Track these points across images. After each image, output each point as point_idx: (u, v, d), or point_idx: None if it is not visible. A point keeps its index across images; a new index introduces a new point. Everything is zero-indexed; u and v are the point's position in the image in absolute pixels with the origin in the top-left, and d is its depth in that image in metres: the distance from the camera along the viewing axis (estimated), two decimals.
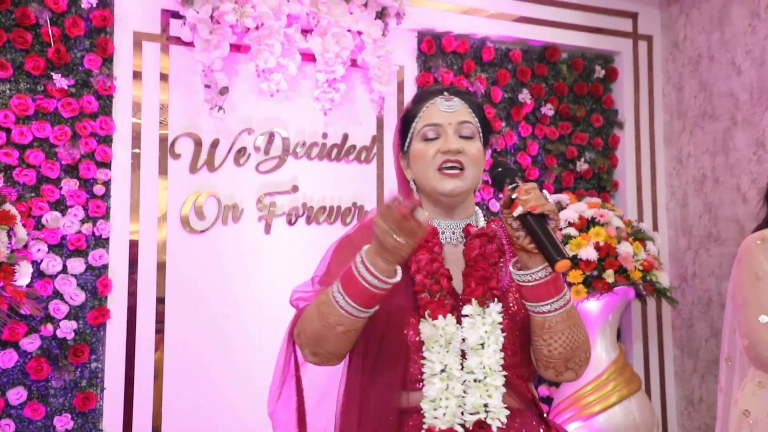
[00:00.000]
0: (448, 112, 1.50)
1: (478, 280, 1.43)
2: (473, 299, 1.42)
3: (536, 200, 1.32)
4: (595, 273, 3.23)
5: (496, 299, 1.43)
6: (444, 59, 3.55)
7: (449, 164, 1.46)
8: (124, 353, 2.88)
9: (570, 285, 3.22)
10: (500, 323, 1.42)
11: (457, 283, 1.46)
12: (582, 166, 3.81)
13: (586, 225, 3.35)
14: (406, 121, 1.54)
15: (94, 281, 2.84)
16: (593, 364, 3.36)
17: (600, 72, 3.89)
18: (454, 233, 1.52)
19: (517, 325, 1.44)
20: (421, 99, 1.54)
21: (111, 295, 2.88)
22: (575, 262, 3.24)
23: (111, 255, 2.89)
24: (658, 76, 4.01)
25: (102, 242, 2.87)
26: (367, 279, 1.28)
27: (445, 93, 1.52)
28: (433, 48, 3.51)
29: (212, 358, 3.04)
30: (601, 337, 3.40)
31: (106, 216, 2.88)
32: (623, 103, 3.93)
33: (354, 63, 3.26)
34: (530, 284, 1.37)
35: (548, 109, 3.74)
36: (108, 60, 2.92)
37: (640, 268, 3.31)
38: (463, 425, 1.37)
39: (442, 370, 1.38)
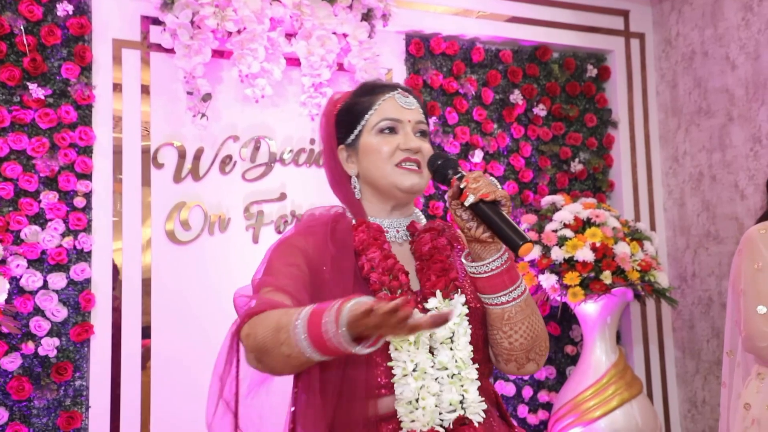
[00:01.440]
0: (407, 109, 1.45)
1: (439, 272, 1.37)
2: (437, 291, 1.35)
3: (486, 187, 1.27)
4: (592, 274, 3.16)
5: (459, 290, 1.37)
6: (433, 61, 3.48)
7: (409, 162, 1.41)
8: (109, 370, 2.80)
9: (567, 287, 3.15)
10: (466, 315, 1.36)
11: (412, 282, 1.39)
12: (576, 166, 3.74)
13: (581, 226, 3.28)
14: (354, 113, 1.45)
15: (77, 296, 2.76)
16: (593, 367, 3.30)
17: (592, 71, 3.83)
18: (398, 231, 1.46)
19: (478, 319, 1.38)
20: (372, 92, 1.47)
21: (94, 311, 2.79)
22: (572, 264, 3.17)
23: (94, 269, 2.81)
24: (652, 73, 3.95)
25: (84, 256, 2.79)
26: (335, 342, 1.10)
27: (400, 89, 1.47)
28: (422, 50, 3.44)
29: (201, 372, 2.93)
30: (601, 340, 3.32)
31: (87, 229, 2.80)
32: (617, 102, 3.86)
33: (341, 66, 3.19)
34: (486, 275, 1.32)
35: (541, 110, 3.68)
36: (86, 69, 2.84)
37: (638, 268, 3.24)
38: (441, 425, 1.30)
39: (414, 369, 1.30)
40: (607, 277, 3.17)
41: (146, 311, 2.89)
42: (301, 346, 1.13)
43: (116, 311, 2.83)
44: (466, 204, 1.28)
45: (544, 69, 3.73)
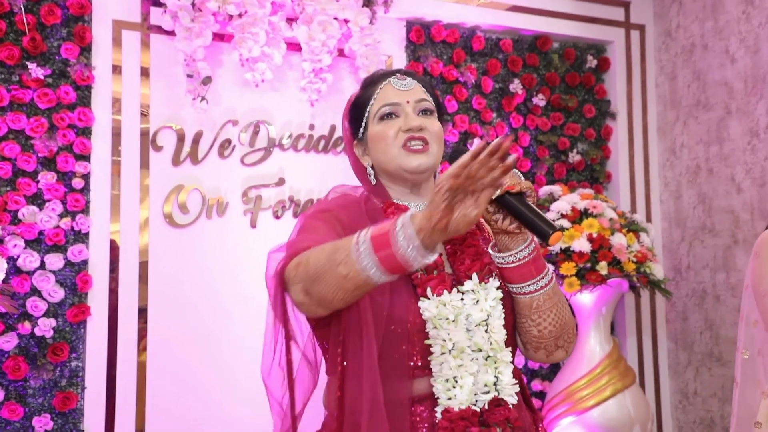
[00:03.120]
0: (404, 91, 1.46)
1: (473, 256, 1.39)
2: (473, 274, 1.37)
3: (511, 179, 1.28)
4: (589, 265, 3.17)
5: (494, 274, 1.38)
6: (433, 49, 3.48)
7: (413, 142, 1.41)
8: (105, 351, 2.80)
9: (563, 277, 3.16)
10: (501, 299, 1.37)
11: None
12: (574, 157, 3.75)
13: (578, 216, 3.29)
14: (359, 106, 1.49)
15: (74, 278, 2.75)
16: (587, 357, 3.31)
17: (592, 62, 3.82)
18: None
19: (507, 306, 1.40)
20: (372, 82, 1.50)
21: (91, 292, 2.79)
22: (568, 254, 3.18)
23: (91, 250, 2.80)
24: (651, 65, 3.95)
25: (81, 237, 2.79)
26: (409, 252, 1.12)
27: (398, 74, 1.49)
28: (422, 37, 3.44)
29: (197, 355, 2.96)
30: (595, 331, 3.34)
31: (85, 210, 2.80)
32: (616, 93, 3.86)
33: (341, 52, 3.18)
34: (514, 265, 1.33)
35: (540, 100, 3.68)
36: (86, 49, 2.83)
37: (634, 259, 3.26)
38: (476, 405, 1.32)
39: (452, 348, 1.31)
40: (603, 267, 3.18)
41: (143, 293, 2.89)
42: (364, 260, 1.13)
43: (113, 293, 2.83)
44: (492, 197, 1.25)
45: (544, 59, 3.73)
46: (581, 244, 3.16)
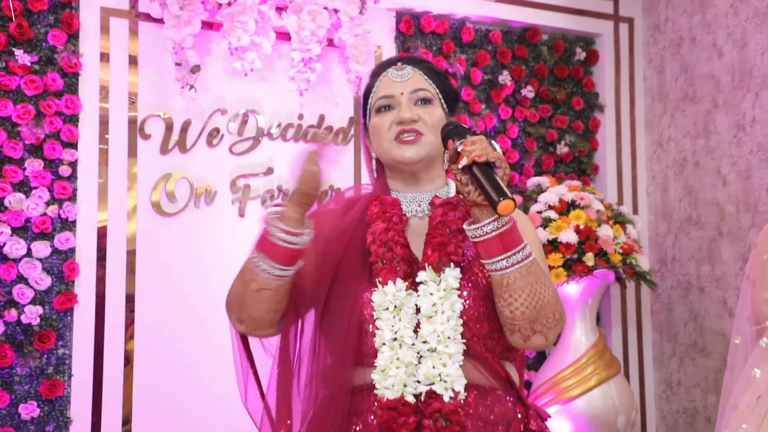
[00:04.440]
0: (399, 82, 1.46)
1: (435, 246, 1.37)
2: (427, 265, 1.36)
3: (481, 149, 1.25)
4: (575, 256, 3.20)
5: (452, 264, 1.36)
6: (423, 40, 3.48)
7: (405, 135, 1.43)
8: (92, 339, 2.80)
9: (550, 268, 3.18)
10: (456, 289, 1.35)
11: (418, 254, 1.42)
12: (562, 149, 3.76)
13: (566, 208, 3.31)
14: (365, 98, 1.53)
15: (61, 265, 2.75)
16: (573, 347, 3.34)
17: (581, 54, 3.84)
18: (420, 205, 1.47)
19: (482, 294, 1.38)
20: (375, 73, 1.51)
21: (78, 280, 2.79)
22: (555, 245, 3.20)
23: (78, 238, 2.80)
24: (639, 58, 3.97)
25: (68, 225, 2.78)
26: (278, 235, 1.31)
27: (398, 63, 1.49)
28: (412, 28, 3.44)
29: (185, 343, 2.96)
30: (581, 321, 3.37)
31: (72, 198, 2.79)
32: (604, 86, 3.88)
33: (330, 42, 3.18)
34: (482, 238, 1.28)
35: (528, 92, 3.69)
36: (73, 36, 2.81)
37: (620, 251, 3.28)
38: (416, 396, 1.32)
39: (394, 339, 1.32)
40: (589, 259, 3.21)
41: (130, 281, 2.89)
42: (260, 265, 1.31)
43: (100, 281, 2.83)
44: (459, 166, 1.27)
45: (533, 51, 3.74)
46: (568, 236, 3.19)
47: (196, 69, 2.92)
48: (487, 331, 1.38)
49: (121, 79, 2.91)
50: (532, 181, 3.48)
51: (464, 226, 1.33)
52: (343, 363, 1.34)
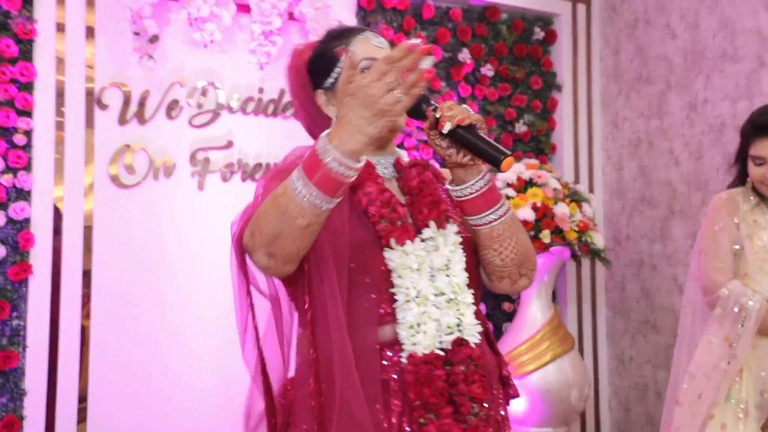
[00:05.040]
0: (381, 48, 1.47)
1: (429, 205, 1.42)
2: (431, 222, 1.41)
3: (461, 113, 1.31)
4: (532, 233, 3.25)
5: (451, 221, 1.43)
6: (384, 15, 3.49)
7: None
8: (48, 311, 2.76)
9: None
10: (460, 243, 1.42)
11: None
12: (521, 128, 3.82)
13: (523, 186, 3.37)
14: (330, 56, 1.47)
15: (15, 235, 2.70)
16: (528, 324, 3.41)
17: (539, 34, 3.89)
18: (386, 169, 1.50)
19: (468, 249, 1.44)
20: (345, 33, 1.48)
21: (34, 250, 2.74)
22: None
23: (33, 209, 2.75)
24: (596, 39, 4.04)
25: (24, 195, 2.73)
26: (335, 165, 1.16)
27: (370, 30, 1.50)
28: (373, 3, 3.44)
29: (143, 314, 2.95)
30: (537, 298, 3.43)
31: (27, 167, 2.74)
32: (562, 65, 3.94)
33: (291, 15, 3.17)
34: (471, 197, 1.36)
35: (488, 70, 3.73)
36: (27, 2, 2.75)
37: (576, 228, 3.35)
38: (441, 347, 1.36)
39: (416, 296, 1.35)
40: (546, 236, 3.27)
41: (87, 252, 2.85)
42: (305, 194, 1.17)
43: (56, 252, 2.79)
44: (444, 131, 1.30)
45: (493, 29, 3.78)
46: (525, 213, 3.24)
47: (154, 39, 2.89)
48: (475, 283, 1.45)
49: (77, 46, 2.86)
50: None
51: (449, 188, 1.39)
52: (369, 322, 1.35)
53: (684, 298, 2.47)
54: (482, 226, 1.38)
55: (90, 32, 2.89)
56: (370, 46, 1.46)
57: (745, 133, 2.25)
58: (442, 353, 1.35)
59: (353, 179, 1.20)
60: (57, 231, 2.80)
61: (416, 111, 1.37)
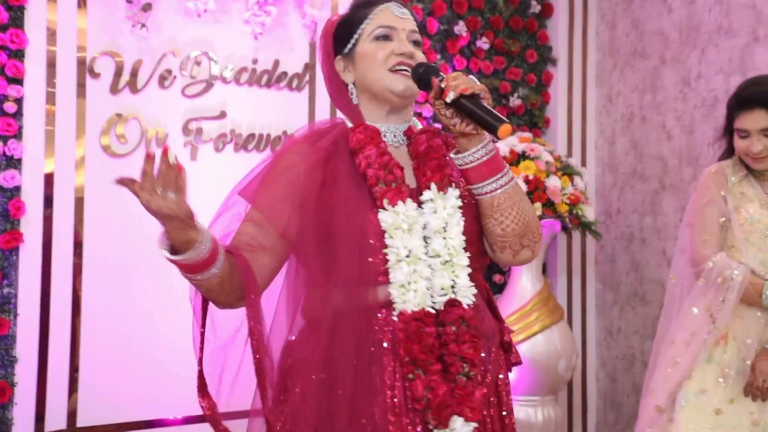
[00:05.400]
0: (402, 18, 1.50)
1: (434, 168, 1.44)
2: (432, 184, 1.43)
3: (465, 83, 1.34)
4: None
5: (453, 185, 1.45)
6: None
7: (402, 66, 1.46)
8: (39, 279, 2.77)
9: None
10: (460, 207, 1.43)
11: (409, 180, 1.47)
12: (515, 101, 3.82)
13: (516, 159, 3.38)
14: (351, 23, 1.52)
15: (6, 203, 2.70)
16: (518, 294, 3.45)
17: (536, 7, 3.87)
18: (395, 136, 1.52)
19: (470, 215, 1.46)
20: (370, 3, 1.52)
21: (24, 219, 2.75)
22: None
23: (24, 177, 2.75)
24: (593, 13, 4.02)
25: (14, 163, 2.73)
26: (176, 260, 1.33)
27: (395, 1, 1.52)
28: None
29: (135, 283, 2.96)
30: (527, 269, 3.46)
31: (18, 135, 2.73)
32: (557, 39, 3.93)
33: None
34: (473, 164, 1.39)
35: (483, 43, 3.71)
36: None
37: (567, 201, 3.38)
38: (433, 307, 1.39)
39: (407, 255, 1.38)
40: (537, 208, 3.29)
41: (79, 222, 2.86)
42: (189, 278, 1.37)
43: (47, 220, 2.79)
44: (448, 101, 1.34)
45: (489, 2, 3.76)
46: None
47: (147, 7, 2.87)
48: (476, 250, 1.47)
49: (69, 14, 2.84)
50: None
51: (452, 156, 1.42)
52: (361, 281, 1.39)
53: (671, 270, 2.51)
54: (483, 195, 1.41)
55: (82, 0, 2.87)
56: (391, 15, 1.50)
57: (730, 106, 2.28)
58: (432, 311, 1.38)
59: (196, 261, 1.32)
60: (48, 200, 2.80)
61: (425, 82, 1.41)
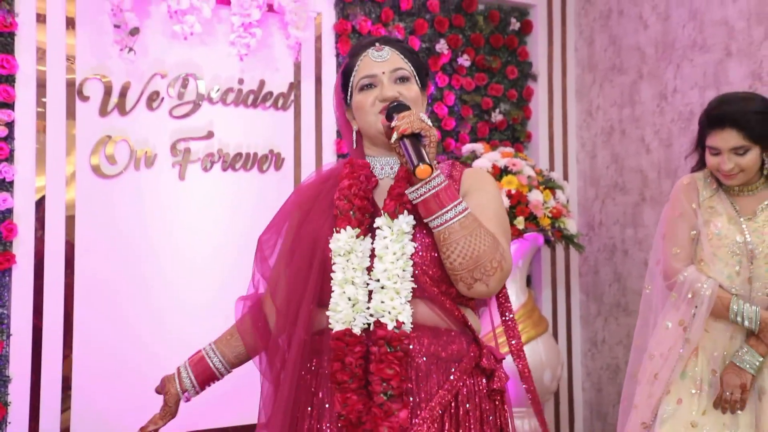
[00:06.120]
0: (379, 62, 1.57)
1: (394, 197, 1.51)
2: (383, 212, 1.50)
3: (407, 123, 1.42)
4: None
5: (406, 212, 1.49)
6: (362, 7, 3.54)
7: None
8: (31, 299, 2.82)
9: None
10: (408, 233, 1.48)
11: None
12: (497, 117, 3.89)
13: (499, 173, 3.45)
14: (345, 76, 1.61)
15: None
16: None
17: (515, 24, 3.96)
18: (392, 168, 1.59)
19: (423, 242, 1.52)
20: (355, 53, 1.61)
21: (16, 240, 2.80)
22: None
23: (16, 199, 2.80)
24: (571, 29, 4.12)
25: (6, 186, 2.78)
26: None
27: (376, 44, 1.59)
28: None
29: (126, 302, 3.01)
30: (512, 282, 3.52)
31: (9, 159, 2.79)
32: (537, 55, 4.02)
33: (270, 8, 3.22)
34: (418, 200, 1.44)
35: (465, 60, 3.80)
36: None
37: (550, 215, 3.44)
38: (366, 328, 1.46)
39: (344, 279, 1.46)
40: (520, 222, 3.35)
41: (70, 242, 2.91)
42: None
43: (39, 241, 2.84)
44: (392, 141, 1.43)
45: (470, 20, 3.84)
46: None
47: (135, 31, 2.93)
48: (439, 276, 1.50)
49: (58, 40, 2.90)
50: (467, 148, 3.61)
51: (406, 191, 1.47)
52: (305, 301, 1.49)
53: (646, 280, 2.57)
54: (434, 228, 1.45)
55: (71, 25, 2.93)
56: (370, 62, 1.57)
57: (702, 123, 2.33)
58: (359, 332, 1.45)
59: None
60: (39, 221, 2.85)
61: (389, 119, 1.49)
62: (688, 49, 3.46)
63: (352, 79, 1.58)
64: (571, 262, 4.09)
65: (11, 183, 2.79)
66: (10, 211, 2.79)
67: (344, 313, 1.45)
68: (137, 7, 2.93)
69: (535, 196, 3.42)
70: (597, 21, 3.98)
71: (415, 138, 1.41)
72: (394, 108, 1.49)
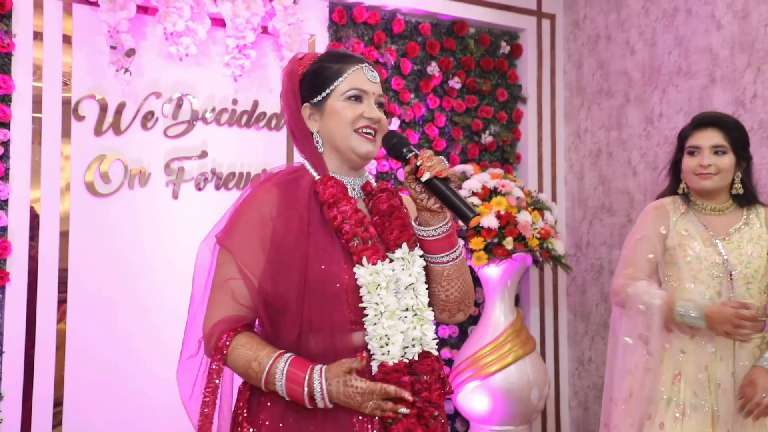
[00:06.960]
0: (373, 82, 1.61)
1: (401, 228, 1.57)
2: (403, 244, 1.55)
3: (439, 165, 1.48)
4: (496, 240, 3.39)
5: (418, 245, 1.58)
6: (355, 30, 3.60)
7: (368, 130, 1.58)
8: (24, 316, 2.84)
9: (472, 251, 3.37)
10: (423, 266, 1.57)
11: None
12: (487, 138, 3.95)
13: (488, 194, 3.50)
14: (323, 77, 1.58)
15: None
16: (492, 326, 3.55)
17: (505, 48, 4.03)
18: (354, 189, 1.63)
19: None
20: (343, 59, 1.60)
21: (10, 258, 2.82)
22: (477, 229, 3.39)
23: (10, 217, 2.83)
24: (560, 53, 4.19)
25: (0, 204, 2.80)
26: (311, 395, 1.44)
27: (367, 63, 1.62)
28: (345, 18, 3.55)
29: (120, 320, 3.03)
30: (500, 301, 3.57)
31: (5, 177, 2.81)
32: (527, 78, 4.08)
33: (265, 30, 3.27)
34: (434, 238, 1.54)
35: (455, 83, 3.86)
36: (6, 16, 2.83)
37: (538, 236, 3.49)
38: (406, 357, 1.52)
39: (384, 311, 1.50)
40: (509, 243, 3.40)
41: (64, 260, 2.93)
42: (275, 384, 1.45)
43: (33, 259, 2.86)
44: (422, 180, 1.48)
45: (461, 43, 3.91)
46: (489, 221, 3.38)
47: (131, 53, 2.97)
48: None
49: (55, 59, 2.94)
50: (458, 169, 3.66)
51: (414, 225, 1.56)
52: (333, 330, 1.50)
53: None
54: (437, 264, 1.57)
55: (67, 45, 2.97)
56: (363, 78, 1.59)
57: (684, 130, 2.40)
58: (407, 362, 1.51)
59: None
60: (33, 239, 2.87)
61: (397, 153, 1.56)
62: (674, 75, 3.53)
63: (336, 83, 1.57)
64: (559, 282, 4.15)
65: (6, 201, 2.82)
66: (4, 228, 2.81)
67: (398, 345, 1.50)
68: (134, 28, 2.98)
69: (524, 217, 3.47)
70: (585, 45, 4.06)
71: (447, 181, 1.48)
72: (399, 142, 1.55)
